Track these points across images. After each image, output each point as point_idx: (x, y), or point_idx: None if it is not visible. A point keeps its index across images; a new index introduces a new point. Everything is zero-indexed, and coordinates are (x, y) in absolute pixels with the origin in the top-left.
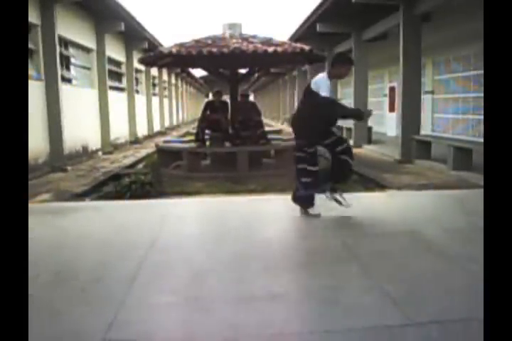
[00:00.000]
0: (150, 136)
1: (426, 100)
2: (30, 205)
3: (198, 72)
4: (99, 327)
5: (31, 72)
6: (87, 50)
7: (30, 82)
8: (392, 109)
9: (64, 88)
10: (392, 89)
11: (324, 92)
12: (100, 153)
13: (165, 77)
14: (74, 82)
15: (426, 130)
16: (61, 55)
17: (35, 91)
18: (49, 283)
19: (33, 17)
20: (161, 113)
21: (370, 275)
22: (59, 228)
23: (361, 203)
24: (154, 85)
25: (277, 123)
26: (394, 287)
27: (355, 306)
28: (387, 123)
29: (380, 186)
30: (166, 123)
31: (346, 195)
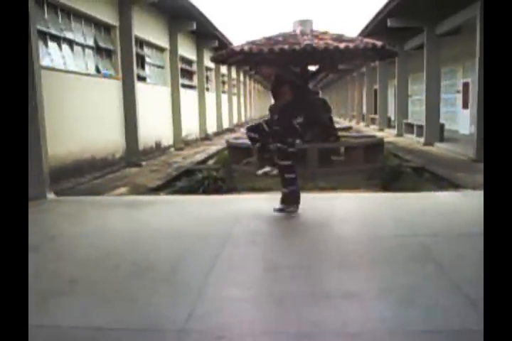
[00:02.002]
0: (219, 133)
1: None
2: (108, 198)
3: None
4: (179, 318)
5: (112, 71)
6: (160, 49)
7: (109, 80)
8: (465, 105)
9: (139, 86)
10: (465, 85)
11: None
12: (172, 149)
13: (234, 74)
14: (148, 80)
15: None
16: (137, 54)
17: (113, 90)
18: (128, 273)
19: (112, 19)
20: (230, 110)
21: (448, 276)
22: (136, 220)
23: (435, 202)
24: (223, 83)
25: (345, 121)
26: (473, 289)
27: (433, 307)
28: (459, 120)
29: (454, 186)
30: (235, 121)
31: (418, 194)
